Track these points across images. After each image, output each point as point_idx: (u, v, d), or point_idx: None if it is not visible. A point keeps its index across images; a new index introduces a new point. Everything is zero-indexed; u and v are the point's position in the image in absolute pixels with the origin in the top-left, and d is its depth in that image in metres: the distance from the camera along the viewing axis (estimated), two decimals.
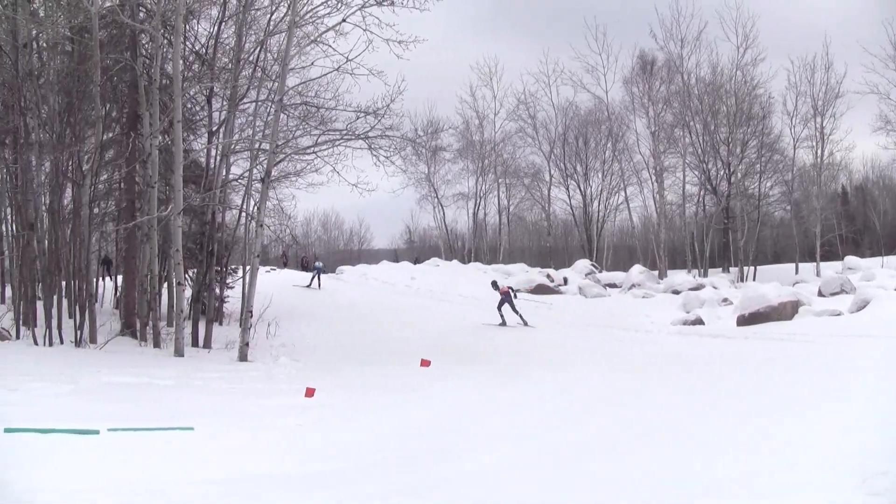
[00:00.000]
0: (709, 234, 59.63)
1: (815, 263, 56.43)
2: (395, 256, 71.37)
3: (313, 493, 7.27)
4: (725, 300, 33.28)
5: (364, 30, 21.37)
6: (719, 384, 14.57)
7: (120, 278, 27.79)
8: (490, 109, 66.69)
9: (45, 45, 22.42)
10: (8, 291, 25.00)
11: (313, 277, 39.00)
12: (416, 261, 57.21)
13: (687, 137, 59.37)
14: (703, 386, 14.41)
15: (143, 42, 23.47)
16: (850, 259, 47.92)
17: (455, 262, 55.43)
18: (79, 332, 20.05)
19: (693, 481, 7.09)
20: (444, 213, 68.61)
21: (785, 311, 27.71)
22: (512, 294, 28.18)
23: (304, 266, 50.57)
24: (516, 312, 27.22)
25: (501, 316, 27.34)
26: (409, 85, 22.98)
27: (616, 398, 13.49)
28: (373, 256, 75.46)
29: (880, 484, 6.21)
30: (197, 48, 25.99)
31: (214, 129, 25.21)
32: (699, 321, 29.39)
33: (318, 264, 41.50)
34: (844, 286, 33.12)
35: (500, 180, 67.24)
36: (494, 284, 29.82)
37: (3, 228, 25.98)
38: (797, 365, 16.60)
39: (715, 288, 39.16)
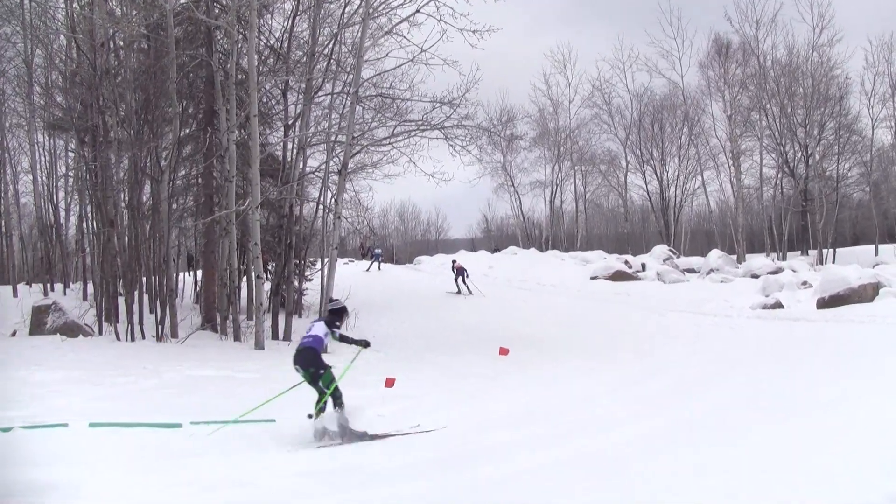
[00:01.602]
0: (787, 218, 58.92)
1: (895, 245, 55.25)
2: (472, 246, 71.30)
3: (396, 486, 7.07)
4: (805, 283, 33.03)
5: (438, 20, 21.38)
6: (803, 368, 14.21)
7: (200, 273, 28.03)
8: (564, 97, 66.49)
9: (121, 43, 22.63)
10: (90, 288, 25.35)
11: (372, 263, 41.92)
12: (495, 250, 57.24)
13: (763, 120, 58.76)
14: (787, 370, 14.05)
15: (218, 38, 23.57)
16: None
17: (532, 250, 55.42)
18: (160, 327, 20.24)
19: (796, 468, 6.79)
20: (520, 202, 68.58)
21: (865, 294, 27.47)
22: (465, 272, 35.03)
23: (364, 253, 51.46)
24: (465, 284, 34.41)
25: (458, 287, 34.47)
26: (483, 74, 22.88)
27: (702, 385, 13.17)
28: (450, 246, 75.54)
29: None
30: (271, 42, 26.10)
31: (290, 122, 25.27)
32: (779, 305, 29.17)
33: (378, 251, 44.49)
34: None
35: (576, 167, 66.95)
36: (453, 263, 37.34)
37: (85, 226, 26.41)
38: (880, 348, 16.13)
39: (794, 271, 38.86)
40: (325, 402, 10.08)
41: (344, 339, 10.64)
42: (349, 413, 9.97)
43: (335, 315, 11.07)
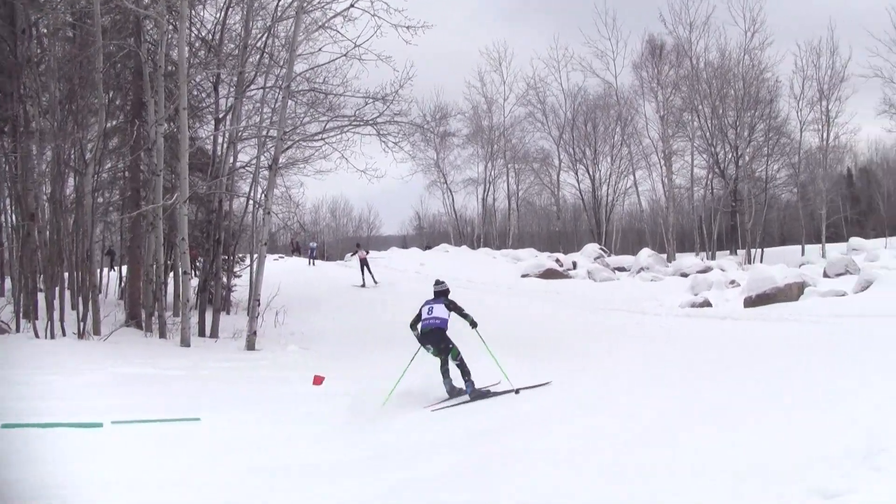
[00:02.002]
0: (717, 217, 60.44)
1: (820, 245, 57.16)
2: (404, 243, 71.69)
3: (327, 484, 7.07)
4: (733, 282, 33.91)
5: (372, 15, 21.25)
6: (728, 366, 14.36)
7: (125, 268, 27.48)
8: (499, 94, 67.39)
9: (45, 30, 22.02)
10: (8, 283, 24.63)
11: (311, 258, 42.90)
12: (427, 247, 57.43)
13: (695, 121, 60.34)
14: (713, 368, 14.19)
15: (148, 28, 23.15)
16: (855, 240, 48.45)
17: (464, 247, 55.95)
18: (82, 324, 19.72)
19: (717, 466, 6.78)
20: (453, 199, 69.17)
21: (791, 293, 28.06)
22: (368, 261, 36.18)
23: (295, 249, 51.63)
24: (370, 273, 35.49)
25: (363, 279, 35.35)
26: (417, 71, 22.83)
27: (630, 383, 13.22)
28: (382, 243, 75.72)
29: (883, 459, 6.07)
30: (203, 34, 25.72)
31: (221, 116, 24.94)
32: (707, 303, 29.65)
33: (312, 244, 44.97)
34: (849, 267, 33.50)
35: (509, 165, 67.79)
36: (357, 246, 39.77)
37: (3, 219, 25.65)
38: (803, 345, 16.43)
39: (723, 270, 39.83)
40: (448, 367, 12.43)
41: (462, 313, 12.64)
42: (475, 377, 12.21)
43: (445, 294, 13.03)
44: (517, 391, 11.91)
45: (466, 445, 8.64)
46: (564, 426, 9.35)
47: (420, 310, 12.93)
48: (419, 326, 12.78)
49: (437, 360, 12.57)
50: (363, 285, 34.91)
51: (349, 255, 50.57)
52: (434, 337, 12.32)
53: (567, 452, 7.82)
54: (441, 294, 13.02)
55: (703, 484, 6.36)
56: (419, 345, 12.68)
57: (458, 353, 12.30)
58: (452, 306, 12.67)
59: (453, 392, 12.27)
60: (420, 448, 8.80)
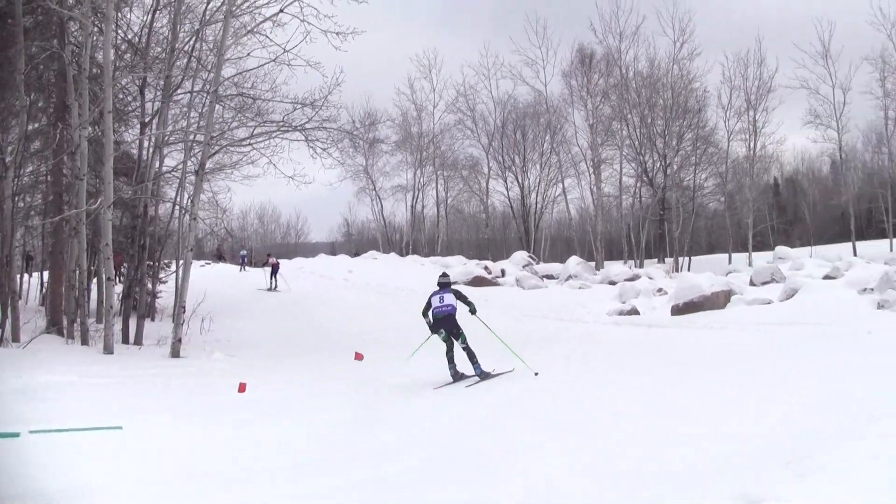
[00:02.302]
0: (645, 226, 61.10)
1: (747, 254, 58.23)
2: (332, 249, 71.44)
3: (247, 493, 7.03)
4: (660, 290, 34.15)
5: (302, 20, 21.21)
6: (653, 373, 14.56)
7: (45, 274, 26.95)
8: (429, 101, 67.49)
9: None
10: None
11: (242, 264, 43.47)
12: (355, 254, 57.38)
13: (624, 130, 61.04)
14: (637, 375, 14.37)
15: (72, 29, 22.74)
16: (781, 249, 49.29)
17: (393, 254, 55.91)
18: (0, 331, 19.33)
19: (622, 472, 6.97)
20: (381, 206, 69.06)
21: (718, 301, 28.48)
22: (278, 268, 38.21)
23: (220, 256, 51.59)
24: (276, 280, 37.31)
25: (271, 283, 37.35)
26: (347, 77, 22.88)
27: (554, 389, 13.38)
28: (310, 250, 75.41)
29: (805, 466, 6.29)
30: (129, 37, 25.34)
31: (147, 120, 24.61)
32: (634, 311, 30.07)
33: (243, 252, 46.06)
34: (775, 275, 34.07)
35: (438, 172, 67.82)
36: (268, 255, 41.72)
37: None
38: (728, 353, 16.73)
39: (650, 278, 40.14)
40: (454, 354, 14.03)
41: (466, 301, 14.21)
42: (481, 360, 13.80)
43: (450, 285, 14.70)
44: (536, 374, 13.53)
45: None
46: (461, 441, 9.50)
47: (430, 299, 14.36)
48: (431, 314, 14.25)
49: (444, 347, 14.09)
50: (271, 289, 37.05)
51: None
52: (447, 322, 13.93)
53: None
54: (446, 285, 14.56)
55: (623, 488, 6.49)
56: (430, 332, 14.47)
57: (466, 337, 13.93)
58: (459, 295, 14.28)
59: (457, 377, 13.91)
60: (350, 456, 8.83)
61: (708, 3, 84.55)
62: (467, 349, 13.83)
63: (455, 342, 13.98)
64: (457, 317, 14.03)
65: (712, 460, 7.02)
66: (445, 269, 45.51)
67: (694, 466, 6.91)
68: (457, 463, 7.92)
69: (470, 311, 14.12)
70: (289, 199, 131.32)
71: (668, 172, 59.40)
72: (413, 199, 68.37)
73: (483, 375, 13.65)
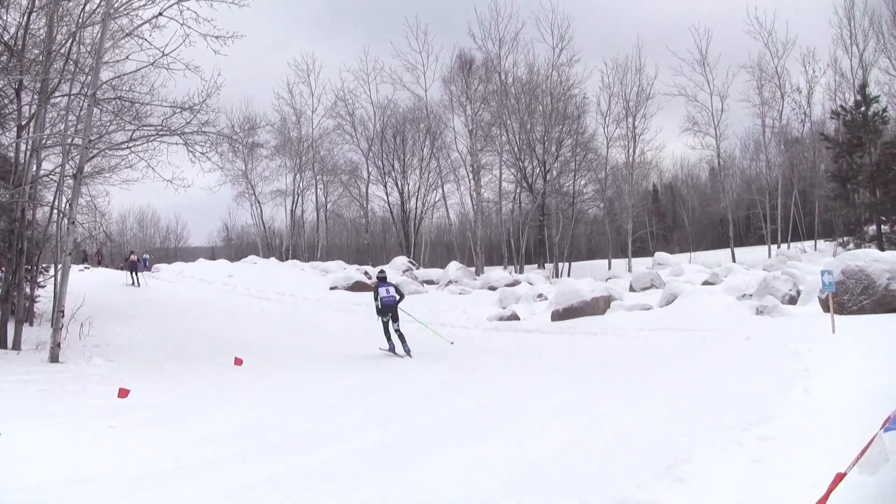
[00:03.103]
0: (525, 231, 61.60)
1: (627, 259, 59.27)
2: (212, 254, 70.75)
3: (129, 497, 7.29)
4: (541, 296, 34.61)
5: (181, 24, 21.20)
6: (531, 377, 15.17)
7: None
8: (308, 106, 67.40)
9: None
10: None
11: (135, 272, 41.38)
12: (236, 259, 57.18)
13: (504, 136, 61.48)
14: (517, 380, 14.94)
15: None
16: (660, 255, 50.65)
17: (273, 259, 55.69)
18: None
19: (505, 476, 7.44)
20: (261, 211, 68.82)
21: (598, 306, 29.05)
22: (141, 265, 40.86)
23: (100, 260, 52.44)
24: (137, 275, 39.47)
25: (133, 279, 39.26)
26: (226, 81, 23.04)
27: (437, 393, 13.92)
28: (190, 254, 74.49)
29: (685, 470, 6.60)
30: (5, 39, 24.93)
31: (24, 123, 24.27)
32: (515, 316, 30.34)
33: (146, 256, 45.31)
34: (654, 281, 35.03)
35: (317, 177, 67.68)
36: (131, 252, 43.95)
37: None
38: (607, 358, 17.38)
39: (530, 284, 40.73)
40: (390, 332, 20.00)
41: (400, 291, 20.69)
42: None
43: (387, 279, 20.94)
44: (451, 343, 21.85)
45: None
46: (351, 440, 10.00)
47: (377, 290, 20.14)
48: (380, 301, 19.85)
49: (383, 326, 20.07)
50: (133, 284, 39.09)
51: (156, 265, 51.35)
52: (392, 308, 19.91)
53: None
54: (385, 279, 20.77)
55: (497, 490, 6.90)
56: (377, 315, 20.08)
57: (400, 324, 20.10)
58: (397, 288, 20.50)
59: (393, 349, 19.92)
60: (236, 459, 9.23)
61: (586, 10, 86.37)
62: (399, 332, 19.75)
63: (393, 324, 19.81)
64: (398, 306, 20.01)
65: (596, 464, 7.44)
66: (325, 273, 46.39)
67: (575, 469, 7.30)
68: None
69: (399, 299, 20.13)
70: (168, 204, 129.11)
71: (548, 178, 60.21)
72: (293, 203, 68.39)
73: (409, 351, 19.47)
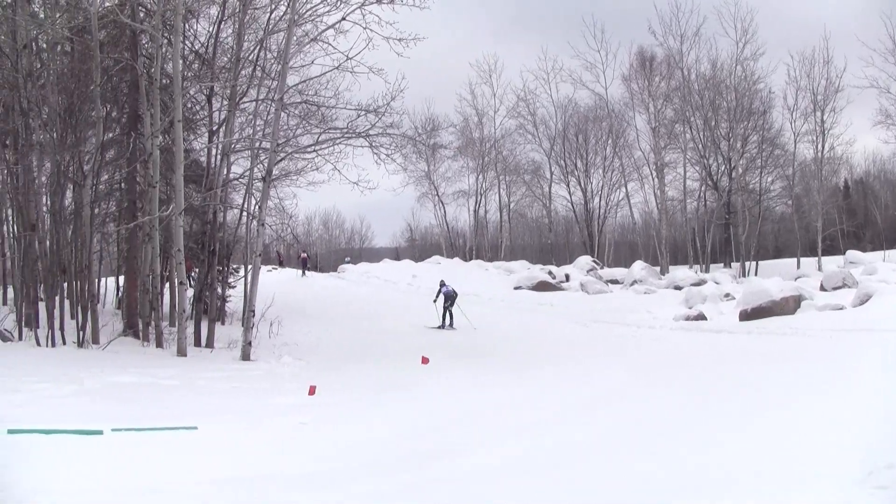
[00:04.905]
0: (710, 230, 59.65)
1: (816, 258, 56.58)
2: (396, 254, 71.70)
3: (317, 493, 7.22)
4: (727, 295, 33.46)
5: (364, 28, 21.39)
6: (723, 380, 14.55)
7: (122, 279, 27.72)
8: (490, 107, 66.95)
9: (45, 45, 22.36)
10: (10, 293, 24.89)
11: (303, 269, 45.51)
12: (419, 259, 58.17)
13: (687, 133, 59.56)
14: (707, 382, 14.39)
15: (143, 42, 23.40)
16: (852, 253, 47.91)
17: (456, 259, 55.80)
18: (81, 333, 20.03)
19: (698, 479, 7.06)
20: (444, 211, 68.87)
21: (787, 306, 27.91)
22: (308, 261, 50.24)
23: (282, 262, 56.04)
24: (307, 270, 46.30)
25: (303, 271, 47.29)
26: (409, 83, 23.02)
27: (620, 395, 13.48)
28: (374, 255, 75.78)
29: (886, 477, 6.17)
30: (197, 48, 26.00)
31: (215, 128, 25.22)
32: (702, 316, 29.60)
33: (303, 254, 50.92)
34: (846, 280, 33.22)
35: (500, 177, 67.40)
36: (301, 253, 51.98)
37: (5, 230, 25.98)
38: (800, 360, 16.56)
39: (717, 283, 39.42)
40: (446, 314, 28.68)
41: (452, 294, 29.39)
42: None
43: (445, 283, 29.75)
44: (475, 328, 27.66)
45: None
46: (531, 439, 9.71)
47: (441, 289, 29.36)
48: (443, 291, 29.06)
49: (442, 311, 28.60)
50: (303, 275, 45.67)
51: (342, 265, 53.35)
52: (452, 298, 28.79)
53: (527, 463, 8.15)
54: (444, 283, 29.84)
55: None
56: (443, 303, 28.69)
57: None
58: (452, 291, 29.30)
59: (445, 326, 28.22)
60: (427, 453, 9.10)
61: (770, 1, 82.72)
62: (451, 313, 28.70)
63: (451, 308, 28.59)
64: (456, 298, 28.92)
65: (781, 469, 7.06)
66: (509, 273, 46.21)
67: (772, 476, 6.94)
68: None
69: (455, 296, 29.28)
70: (353, 205, 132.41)
71: (733, 176, 58.07)
72: (476, 203, 68.25)
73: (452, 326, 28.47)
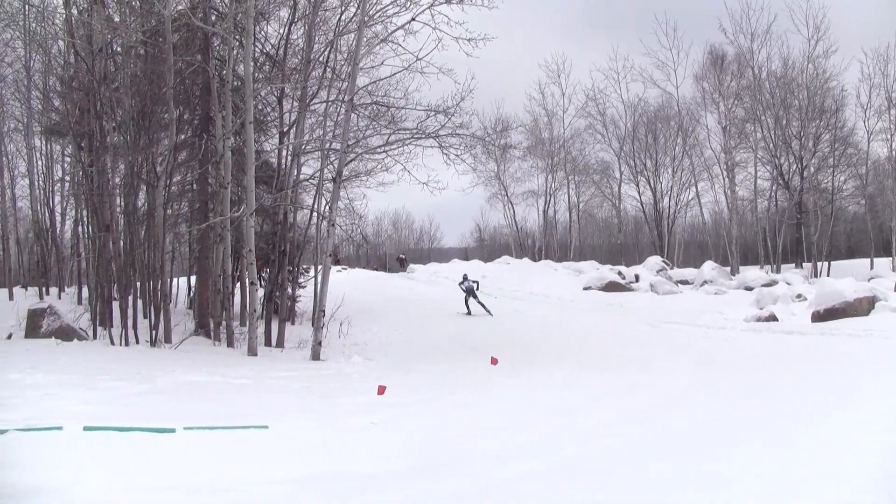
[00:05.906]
0: (781, 230, 58.65)
1: (890, 258, 55.30)
2: (465, 255, 71.59)
3: (390, 493, 7.18)
4: (799, 296, 32.98)
5: (433, 28, 21.30)
6: (797, 381, 14.28)
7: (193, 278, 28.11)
8: (559, 107, 66.44)
9: (119, 49, 22.73)
10: (85, 292, 25.36)
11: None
12: (488, 260, 58.34)
13: (758, 132, 58.55)
14: (780, 383, 14.14)
15: (215, 44, 23.64)
16: None
17: (526, 259, 55.55)
18: (154, 332, 20.33)
19: (770, 481, 6.91)
20: (513, 211, 68.60)
21: (861, 307, 27.45)
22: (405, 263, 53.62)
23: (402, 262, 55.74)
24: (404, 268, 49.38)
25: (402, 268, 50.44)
26: (478, 83, 22.90)
27: (692, 395, 13.26)
28: (443, 255, 75.76)
29: None
30: (268, 49, 26.23)
31: (285, 129, 25.42)
32: (773, 317, 29.20)
33: (402, 255, 53.48)
34: None
35: (569, 177, 66.96)
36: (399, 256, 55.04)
37: (80, 230, 26.49)
38: (875, 362, 16.19)
39: (788, 284, 38.81)
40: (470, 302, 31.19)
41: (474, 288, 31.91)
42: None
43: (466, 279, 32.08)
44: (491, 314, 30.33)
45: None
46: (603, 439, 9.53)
47: (462, 284, 31.61)
48: (464, 287, 31.32)
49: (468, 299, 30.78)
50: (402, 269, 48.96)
51: (409, 267, 53.64)
52: (472, 290, 31.18)
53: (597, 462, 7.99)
54: (467, 277, 31.99)
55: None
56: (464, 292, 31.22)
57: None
58: (475, 285, 31.80)
59: (470, 310, 30.81)
60: (483, 455, 8.99)
61: None
62: (477, 300, 31.10)
63: (472, 298, 31.07)
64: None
65: (840, 472, 6.92)
66: (579, 274, 45.95)
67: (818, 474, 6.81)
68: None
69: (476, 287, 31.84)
70: (422, 205, 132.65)
71: (805, 175, 56.91)
72: (545, 203, 67.82)
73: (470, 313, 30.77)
